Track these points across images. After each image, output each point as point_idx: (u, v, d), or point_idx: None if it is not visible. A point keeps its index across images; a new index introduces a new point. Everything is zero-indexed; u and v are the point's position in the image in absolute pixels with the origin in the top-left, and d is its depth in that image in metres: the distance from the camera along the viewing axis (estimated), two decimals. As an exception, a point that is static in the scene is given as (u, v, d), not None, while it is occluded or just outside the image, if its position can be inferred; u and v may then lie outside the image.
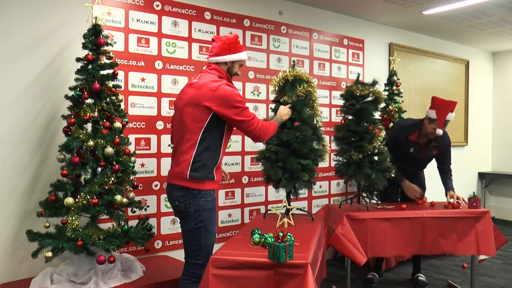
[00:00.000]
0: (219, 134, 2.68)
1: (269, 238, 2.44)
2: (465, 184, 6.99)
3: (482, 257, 3.86)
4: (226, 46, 2.80)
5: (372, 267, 4.43)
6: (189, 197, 2.61)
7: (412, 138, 4.03)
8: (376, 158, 3.74)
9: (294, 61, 3.49)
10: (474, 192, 3.93)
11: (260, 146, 3.81)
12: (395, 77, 5.19)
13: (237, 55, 2.83)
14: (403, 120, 4.60)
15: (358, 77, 3.86)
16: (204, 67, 2.86)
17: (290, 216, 3.20)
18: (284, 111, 3.13)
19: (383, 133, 3.70)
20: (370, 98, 3.77)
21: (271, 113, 3.45)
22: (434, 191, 5.17)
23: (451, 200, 3.90)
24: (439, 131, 3.90)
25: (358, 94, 3.72)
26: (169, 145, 3.70)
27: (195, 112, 2.61)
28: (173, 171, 2.70)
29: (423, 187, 4.27)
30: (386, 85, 5.21)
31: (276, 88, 3.33)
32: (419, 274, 4.29)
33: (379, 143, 3.66)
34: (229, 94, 2.62)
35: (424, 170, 4.41)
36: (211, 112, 2.59)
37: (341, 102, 4.02)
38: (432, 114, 3.91)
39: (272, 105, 3.46)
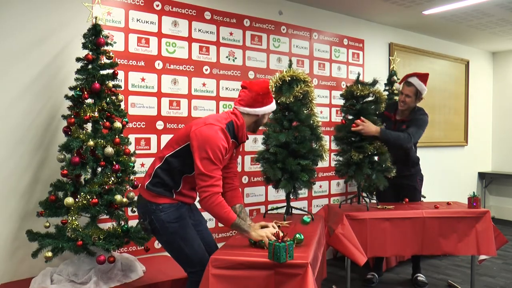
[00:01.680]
0: (184, 168, 2.51)
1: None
2: (465, 184, 6.99)
3: (482, 257, 3.86)
4: (260, 98, 2.58)
5: (372, 267, 4.43)
6: (149, 214, 2.50)
7: (386, 113, 4.09)
8: (376, 158, 3.74)
9: (290, 60, 3.48)
10: (474, 192, 3.93)
11: (259, 146, 3.81)
12: (395, 77, 5.19)
13: (268, 108, 2.64)
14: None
15: (358, 77, 3.85)
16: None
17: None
18: (260, 234, 2.46)
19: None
20: (370, 98, 3.77)
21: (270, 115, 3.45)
22: (431, 192, 5.20)
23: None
24: (397, 85, 4.09)
25: (358, 94, 3.71)
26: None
27: (181, 134, 2.54)
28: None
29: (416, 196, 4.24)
30: (386, 85, 5.22)
31: (273, 89, 3.33)
32: (419, 274, 4.29)
33: (379, 144, 3.66)
34: (211, 136, 2.40)
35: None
36: (188, 142, 2.46)
37: (341, 102, 4.01)
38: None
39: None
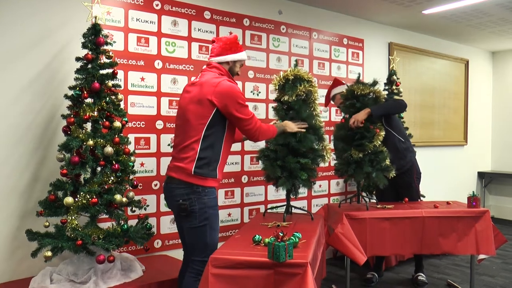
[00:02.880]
0: (222, 132, 2.72)
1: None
2: (464, 184, 7.00)
3: (481, 256, 3.86)
4: (227, 46, 2.87)
5: (372, 267, 4.43)
6: (194, 195, 2.63)
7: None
8: (376, 157, 3.73)
9: (296, 60, 3.48)
10: (473, 192, 3.93)
11: (261, 145, 3.81)
12: (394, 77, 5.20)
13: (238, 55, 2.90)
14: None
15: (358, 77, 3.86)
16: (204, 67, 2.87)
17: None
18: (291, 125, 3.14)
19: (383, 132, 3.70)
20: (370, 97, 3.77)
21: (271, 113, 3.45)
22: (431, 191, 5.21)
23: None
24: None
25: (358, 93, 3.72)
26: (168, 145, 3.70)
27: (198, 109, 2.66)
28: (174, 164, 2.71)
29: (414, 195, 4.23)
30: (385, 84, 5.23)
31: (277, 87, 3.33)
32: (420, 274, 4.28)
33: (379, 142, 3.66)
34: (231, 88, 2.68)
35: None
36: (214, 108, 2.64)
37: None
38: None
39: (273, 104, 3.46)
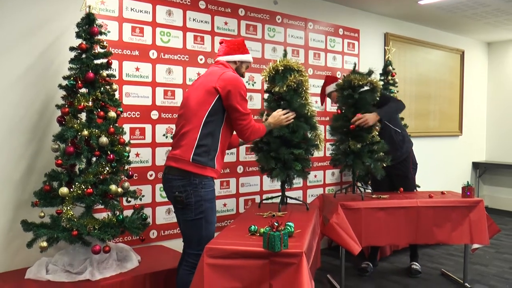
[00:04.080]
0: (221, 122, 2.74)
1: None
2: (459, 174, 7.04)
3: (475, 246, 3.89)
4: (235, 46, 2.96)
5: (367, 257, 4.46)
6: (190, 187, 2.62)
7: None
8: (375, 147, 3.73)
9: (285, 50, 3.47)
10: (468, 182, 3.95)
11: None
12: (390, 67, 5.20)
13: (245, 56, 2.97)
14: None
15: (354, 67, 3.85)
16: (212, 63, 2.90)
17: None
18: (277, 120, 3.14)
19: (380, 123, 3.71)
20: (367, 88, 3.76)
21: (265, 104, 3.45)
22: (426, 182, 5.23)
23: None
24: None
25: (356, 83, 3.71)
26: (164, 135, 3.70)
27: (200, 95, 2.70)
28: (172, 153, 2.72)
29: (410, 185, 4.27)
30: (381, 75, 5.23)
31: (267, 79, 3.32)
32: (414, 263, 4.33)
33: (376, 133, 3.67)
34: (236, 78, 2.75)
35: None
36: (217, 95, 2.67)
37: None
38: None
39: (265, 95, 3.46)
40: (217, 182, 4.07)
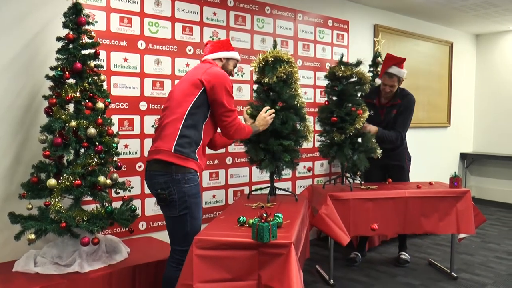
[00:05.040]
0: (205, 117, 2.70)
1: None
2: (447, 165, 7.11)
3: (461, 235, 3.95)
4: (219, 44, 2.95)
5: (356, 247, 4.50)
6: (173, 184, 2.56)
7: (368, 101, 4.11)
8: (359, 139, 3.76)
9: (275, 41, 3.46)
10: (455, 172, 4.00)
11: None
12: (379, 59, 5.21)
13: (230, 53, 2.95)
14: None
15: (341, 57, 3.83)
16: (200, 53, 2.89)
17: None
18: (262, 122, 3.10)
19: (367, 114, 3.72)
20: (353, 79, 3.77)
21: (254, 95, 3.44)
22: (414, 172, 5.25)
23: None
24: (377, 80, 4.09)
25: (340, 75, 3.71)
26: (152, 126, 3.68)
27: (185, 87, 2.67)
28: (154, 146, 2.67)
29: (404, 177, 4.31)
30: (370, 66, 5.23)
31: (256, 70, 3.32)
32: (402, 253, 4.37)
33: (362, 124, 3.68)
34: (222, 74, 2.73)
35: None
36: (202, 87, 2.64)
37: (325, 83, 4.02)
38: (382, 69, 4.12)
39: (255, 86, 3.45)
40: (206, 173, 4.08)
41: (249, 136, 3.03)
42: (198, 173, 2.70)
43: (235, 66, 3.03)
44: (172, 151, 2.56)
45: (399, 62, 4.06)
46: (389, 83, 4.06)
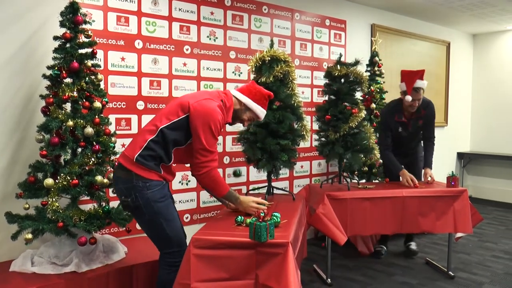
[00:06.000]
0: (179, 141, 2.50)
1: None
2: (444, 164, 7.11)
3: (458, 234, 3.96)
4: (255, 92, 2.70)
5: (379, 240, 4.60)
6: (134, 191, 2.43)
7: (397, 119, 4.15)
8: (352, 138, 3.74)
9: (272, 40, 3.46)
10: (452, 172, 4.00)
11: (240, 127, 3.79)
12: (377, 58, 5.21)
13: (256, 106, 2.69)
14: (387, 104, 4.57)
15: (339, 57, 3.85)
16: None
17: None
18: (245, 205, 2.71)
19: (363, 113, 3.72)
20: (350, 79, 3.78)
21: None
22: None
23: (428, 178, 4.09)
24: (408, 98, 4.01)
25: (336, 74, 3.72)
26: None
27: (175, 106, 2.51)
28: (124, 149, 2.58)
29: (418, 175, 4.30)
30: (368, 65, 5.24)
31: (253, 69, 3.32)
32: (411, 243, 4.53)
33: (356, 123, 3.68)
34: (213, 109, 2.46)
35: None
36: (187, 113, 2.46)
37: (323, 82, 4.03)
38: (403, 87, 4.08)
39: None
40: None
41: (218, 195, 2.69)
42: (163, 180, 2.54)
43: (250, 120, 2.77)
44: (134, 160, 2.44)
45: (422, 74, 4.08)
46: (417, 97, 4.06)
